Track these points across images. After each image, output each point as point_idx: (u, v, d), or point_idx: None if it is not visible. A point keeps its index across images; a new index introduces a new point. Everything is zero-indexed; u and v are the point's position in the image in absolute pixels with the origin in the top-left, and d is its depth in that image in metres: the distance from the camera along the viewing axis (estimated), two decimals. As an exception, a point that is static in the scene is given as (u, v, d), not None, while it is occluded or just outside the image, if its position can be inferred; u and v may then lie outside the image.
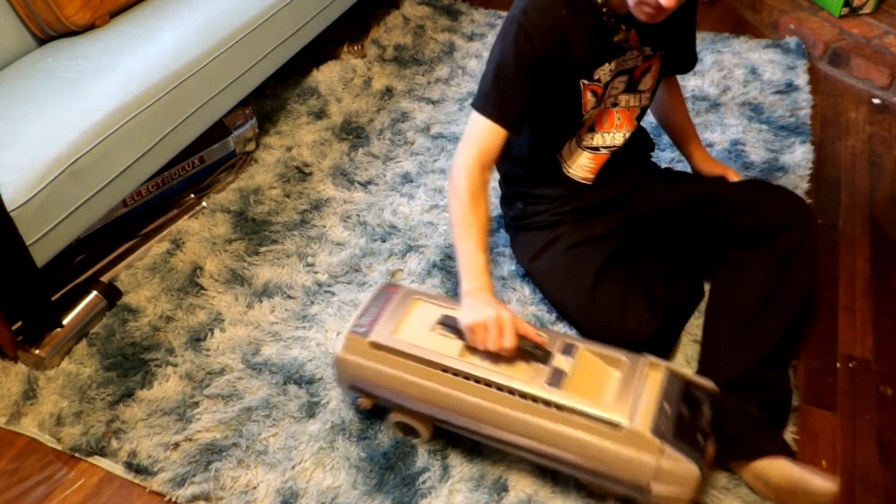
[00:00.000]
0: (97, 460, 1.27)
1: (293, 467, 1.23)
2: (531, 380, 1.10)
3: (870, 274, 1.57)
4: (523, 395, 1.09)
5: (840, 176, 1.83)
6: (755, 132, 1.93)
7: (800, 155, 1.84)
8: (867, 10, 2.34)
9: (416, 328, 1.19)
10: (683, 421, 1.06)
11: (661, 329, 1.29)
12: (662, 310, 1.31)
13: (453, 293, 1.52)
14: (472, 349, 1.15)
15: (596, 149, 1.39)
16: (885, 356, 1.41)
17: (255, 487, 1.21)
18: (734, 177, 1.48)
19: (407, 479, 1.21)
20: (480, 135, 1.25)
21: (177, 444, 1.27)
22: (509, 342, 1.10)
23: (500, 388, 1.10)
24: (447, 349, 1.15)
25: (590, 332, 1.33)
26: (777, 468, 1.13)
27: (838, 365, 1.40)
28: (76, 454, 1.28)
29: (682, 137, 1.57)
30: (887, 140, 1.95)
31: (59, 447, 1.29)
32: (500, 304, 1.15)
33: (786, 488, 1.13)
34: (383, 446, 1.25)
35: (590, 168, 1.41)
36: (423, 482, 1.20)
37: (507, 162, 1.50)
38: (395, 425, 1.25)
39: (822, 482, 1.10)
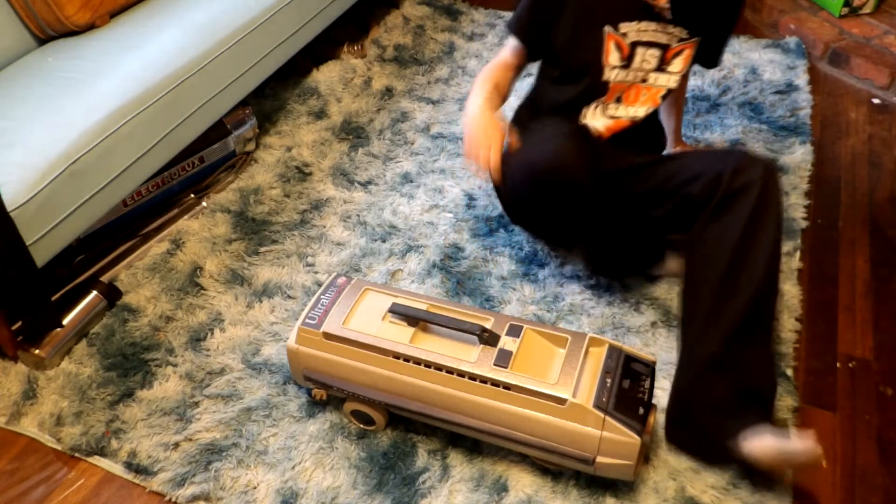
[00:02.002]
0: (97, 460, 1.27)
1: (293, 467, 1.23)
2: (480, 362, 1.13)
3: (870, 274, 1.57)
4: (472, 377, 1.12)
5: (840, 176, 1.83)
6: (755, 132, 1.93)
7: (800, 155, 1.84)
8: (867, 10, 2.34)
9: (367, 317, 1.21)
10: (624, 393, 1.10)
11: (588, 177, 1.25)
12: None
13: (453, 293, 1.52)
14: (422, 335, 1.19)
15: (618, 117, 1.43)
16: (885, 356, 1.41)
17: (255, 487, 1.21)
18: None
19: (407, 479, 1.21)
20: (505, 47, 1.48)
21: (177, 444, 1.27)
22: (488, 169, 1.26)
23: (450, 371, 1.13)
24: (398, 336, 1.18)
25: (514, 169, 1.29)
26: (757, 446, 1.13)
27: (838, 365, 1.40)
28: (76, 454, 1.28)
29: (672, 119, 1.63)
30: (887, 140, 1.95)
31: (59, 447, 1.29)
32: (490, 131, 1.28)
33: (773, 461, 1.13)
34: (383, 446, 1.25)
35: (606, 126, 1.43)
36: (423, 482, 1.20)
37: (536, 92, 1.56)
38: (350, 414, 1.27)
39: (801, 445, 1.10)
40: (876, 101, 2.10)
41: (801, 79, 2.13)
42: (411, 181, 1.82)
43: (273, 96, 2.09)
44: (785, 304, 1.47)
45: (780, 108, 2.01)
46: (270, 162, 1.88)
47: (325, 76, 2.17)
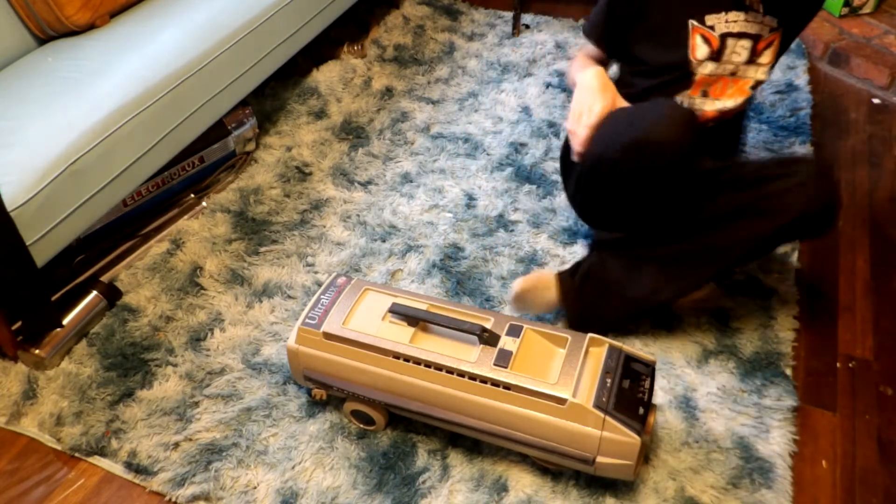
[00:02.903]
0: (97, 460, 1.27)
1: (293, 467, 1.23)
2: (480, 362, 1.13)
3: (870, 274, 1.57)
4: (472, 377, 1.12)
5: (840, 176, 1.83)
6: (755, 132, 1.92)
7: (800, 155, 1.84)
8: (867, 10, 2.34)
9: (367, 317, 1.21)
10: (624, 393, 1.10)
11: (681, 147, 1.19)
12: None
13: (453, 293, 1.52)
14: (422, 335, 1.19)
15: (704, 110, 1.38)
16: (885, 356, 1.41)
17: (255, 487, 1.21)
18: None
19: (407, 479, 1.21)
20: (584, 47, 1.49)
21: (177, 444, 1.27)
22: (581, 131, 1.26)
23: (450, 371, 1.13)
24: (398, 336, 1.18)
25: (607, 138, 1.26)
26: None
27: (838, 365, 1.40)
28: (76, 454, 1.28)
29: None
30: (887, 140, 1.95)
31: (59, 447, 1.29)
32: (599, 93, 1.27)
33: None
34: (383, 446, 1.25)
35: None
36: (423, 482, 1.20)
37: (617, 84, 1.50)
38: (350, 414, 1.27)
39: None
40: (876, 101, 2.10)
41: (801, 79, 2.13)
42: (411, 181, 1.82)
43: (273, 96, 2.09)
44: (784, 304, 1.47)
45: (780, 108, 2.01)
46: (270, 162, 1.88)
47: (325, 76, 2.17)
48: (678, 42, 1.31)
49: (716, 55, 1.31)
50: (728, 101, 1.37)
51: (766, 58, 1.35)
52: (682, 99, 1.37)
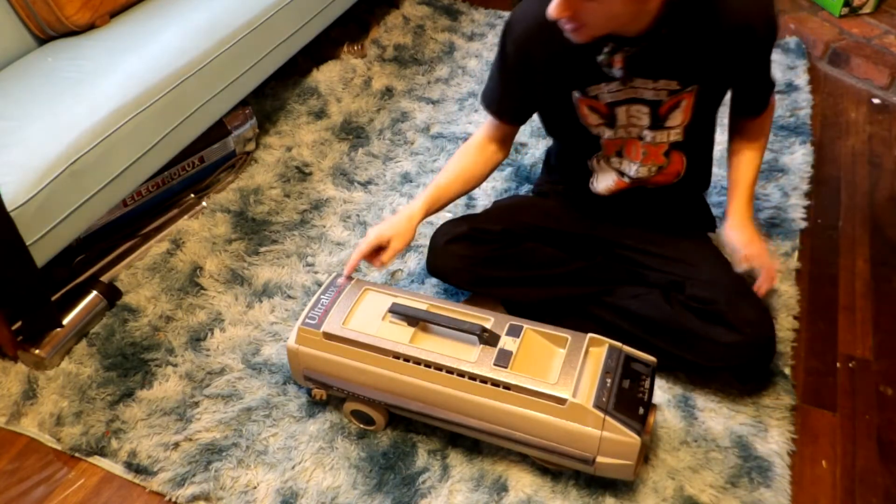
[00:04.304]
0: (97, 460, 1.27)
1: (293, 467, 1.23)
2: (480, 362, 1.13)
3: (870, 274, 1.57)
4: (472, 377, 1.12)
5: (840, 176, 1.83)
6: (755, 132, 1.92)
7: (800, 155, 1.84)
8: (867, 10, 2.34)
9: (367, 317, 1.21)
10: (624, 393, 1.10)
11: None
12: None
13: (453, 292, 1.52)
14: (422, 335, 1.19)
15: (622, 173, 1.33)
16: (885, 356, 1.41)
17: (255, 487, 1.21)
18: (766, 281, 1.29)
19: (407, 479, 1.21)
20: (486, 121, 1.39)
21: (177, 444, 1.27)
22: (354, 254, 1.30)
23: (450, 371, 1.13)
24: (398, 336, 1.18)
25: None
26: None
27: (838, 365, 1.40)
28: (76, 454, 1.28)
29: (730, 187, 1.39)
30: (887, 140, 1.95)
31: (59, 447, 1.29)
32: (397, 223, 1.30)
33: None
34: (383, 446, 1.26)
35: (607, 188, 1.35)
36: (423, 482, 1.20)
37: (552, 159, 1.53)
38: (350, 414, 1.28)
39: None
40: (876, 101, 2.10)
41: (801, 79, 2.13)
42: (411, 181, 1.82)
43: (273, 96, 2.09)
44: (783, 304, 1.47)
45: (780, 108, 2.01)
46: (270, 162, 1.88)
47: (325, 76, 2.17)
48: (568, 110, 1.26)
49: (609, 122, 1.26)
50: (642, 169, 1.30)
51: (675, 120, 1.24)
52: (600, 159, 1.34)
